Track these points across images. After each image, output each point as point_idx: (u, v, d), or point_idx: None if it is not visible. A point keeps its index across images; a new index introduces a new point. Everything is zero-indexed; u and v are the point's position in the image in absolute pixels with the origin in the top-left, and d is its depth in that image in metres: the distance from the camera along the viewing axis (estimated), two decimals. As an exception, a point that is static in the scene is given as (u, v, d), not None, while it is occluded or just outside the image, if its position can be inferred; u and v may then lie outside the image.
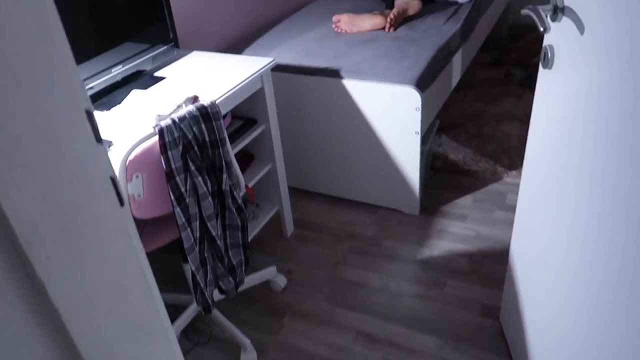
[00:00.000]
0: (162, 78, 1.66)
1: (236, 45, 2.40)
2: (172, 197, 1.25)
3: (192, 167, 1.28)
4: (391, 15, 2.27)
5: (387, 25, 2.27)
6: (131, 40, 1.57)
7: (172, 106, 1.35)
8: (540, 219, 1.19)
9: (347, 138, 2.08)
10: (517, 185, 2.22)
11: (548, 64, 1.09)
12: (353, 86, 1.94)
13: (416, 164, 2.00)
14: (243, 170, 1.84)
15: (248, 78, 1.62)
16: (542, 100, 1.19)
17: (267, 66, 1.69)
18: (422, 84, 1.89)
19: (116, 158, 1.20)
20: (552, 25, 1.05)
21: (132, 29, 1.57)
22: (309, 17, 2.63)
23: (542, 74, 1.16)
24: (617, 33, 0.80)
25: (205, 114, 1.29)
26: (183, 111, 1.27)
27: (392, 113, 1.92)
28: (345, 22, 2.34)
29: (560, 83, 1.05)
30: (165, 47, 1.71)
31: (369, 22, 2.30)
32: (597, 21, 0.86)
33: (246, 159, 1.89)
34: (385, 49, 2.08)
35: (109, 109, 1.47)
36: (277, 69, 2.09)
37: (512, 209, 2.12)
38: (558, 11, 1.01)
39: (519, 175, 2.27)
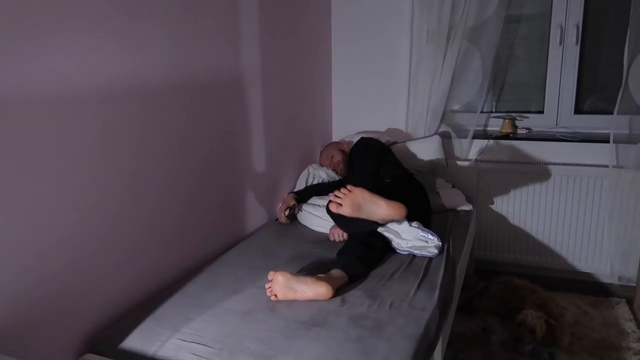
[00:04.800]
0: None
1: (112, 334, 1.67)
2: None
3: None
4: (322, 287, 1.69)
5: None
6: None
7: None
8: None
9: None
10: None
11: None
12: (291, 418, 1.23)
13: None
14: None
15: None
16: None
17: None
18: (399, 420, 1.20)
19: None
20: None
21: None
22: (241, 263, 2.02)
23: None
24: None
25: None
26: None
27: None
28: (280, 284, 1.72)
29: None
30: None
31: (310, 291, 1.70)
32: None
33: None
34: (339, 345, 1.42)
35: None
36: (177, 370, 1.37)
37: None
38: None
39: None
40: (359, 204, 1.73)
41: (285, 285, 1.70)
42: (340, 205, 1.70)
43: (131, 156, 1.72)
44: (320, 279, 1.73)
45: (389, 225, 2.20)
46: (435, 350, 1.57)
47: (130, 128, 1.71)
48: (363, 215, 1.91)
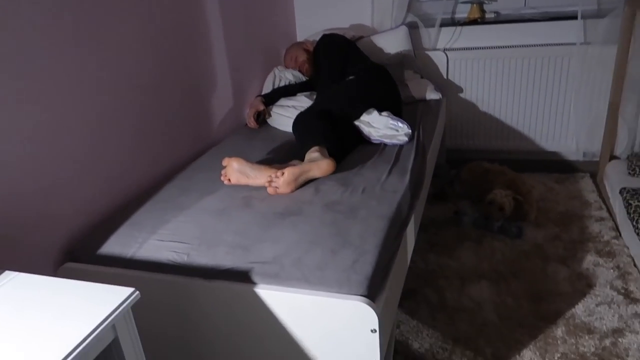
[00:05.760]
0: None
1: (90, 241, 1.64)
2: None
3: None
4: (277, 174, 1.71)
5: (268, 185, 1.72)
6: None
7: None
8: None
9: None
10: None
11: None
12: (271, 297, 1.28)
13: (377, 401, 1.32)
14: None
15: (84, 342, 0.90)
16: None
17: (124, 306, 0.99)
18: (375, 289, 1.27)
19: None
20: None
21: None
22: (213, 167, 2.01)
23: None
24: None
25: None
26: None
27: (333, 336, 1.26)
28: (234, 168, 1.78)
29: None
30: None
31: (264, 176, 1.73)
32: None
33: None
34: (315, 230, 1.46)
35: None
36: (161, 269, 1.40)
37: None
38: None
39: (512, 377, 1.65)
40: (294, 181, 1.72)
41: (238, 170, 1.76)
42: (277, 187, 1.71)
43: (97, 63, 1.64)
44: (275, 167, 1.77)
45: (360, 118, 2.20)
46: (408, 228, 1.63)
47: (94, 33, 1.61)
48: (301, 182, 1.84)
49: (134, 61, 1.86)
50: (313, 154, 1.87)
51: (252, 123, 2.58)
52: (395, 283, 1.47)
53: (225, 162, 1.81)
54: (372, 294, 1.23)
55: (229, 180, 1.81)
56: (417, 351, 1.80)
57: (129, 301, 0.99)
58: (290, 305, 1.27)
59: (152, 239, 1.50)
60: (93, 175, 1.68)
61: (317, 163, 1.79)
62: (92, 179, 1.68)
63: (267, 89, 2.83)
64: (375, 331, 1.21)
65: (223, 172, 1.84)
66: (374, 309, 1.19)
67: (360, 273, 1.25)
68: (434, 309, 1.99)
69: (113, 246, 1.50)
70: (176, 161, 2.15)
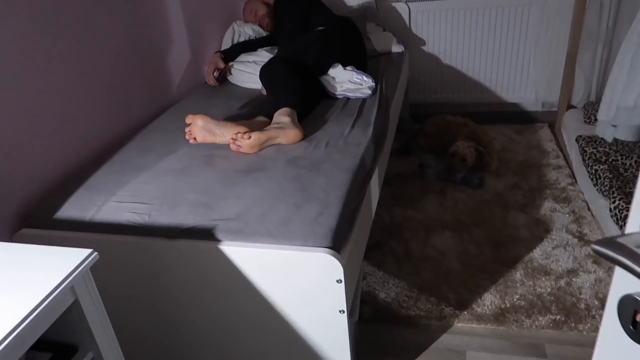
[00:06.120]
0: None
1: (46, 206, 1.58)
2: None
3: None
4: (241, 131, 1.65)
5: (232, 142, 1.67)
6: None
7: None
8: None
9: (235, 325, 1.39)
10: (474, 335, 1.66)
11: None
12: (236, 254, 1.27)
13: (346, 348, 1.36)
14: None
15: (41, 305, 0.87)
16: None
17: (82, 268, 0.96)
18: (340, 240, 1.28)
19: None
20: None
21: None
22: (172, 126, 1.95)
23: (625, 344, 0.57)
24: None
25: None
26: None
27: (300, 289, 1.27)
28: (199, 126, 1.71)
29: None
30: None
31: (231, 133, 1.68)
32: None
33: None
34: (278, 184, 1.45)
35: None
36: (122, 230, 1.37)
37: (479, 378, 1.54)
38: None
39: (474, 319, 1.72)
40: (258, 146, 1.67)
41: (203, 128, 1.70)
42: (241, 147, 1.65)
43: (49, 25, 1.52)
44: (241, 124, 1.71)
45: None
46: (372, 180, 1.64)
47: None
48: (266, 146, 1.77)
49: (84, 19, 1.75)
50: (283, 117, 1.79)
51: (211, 80, 2.50)
52: (360, 235, 1.49)
53: (189, 119, 1.74)
54: (336, 245, 1.24)
55: (195, 139, 1.73)
56: (383, 300, 1.85)
57: (87, 262, 0.97)
58: (255, 260, 1.27)
59: (111, 201, 1.46)
60: (48, 138, 1.60)
61: (285, 131, 1.72)
62: (46, 143, 1.60)
63: (226, 44, 2.74)
64: (341, 281, 1.23)
65: (187, 130, 1.76)
66: (338, 260, 1.20)
67: (324, 225, 1.26)
68: (400, 260, 2.04)
69: (70, 210, 1.45)
70: (134, 122, 2.07)
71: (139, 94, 2.10)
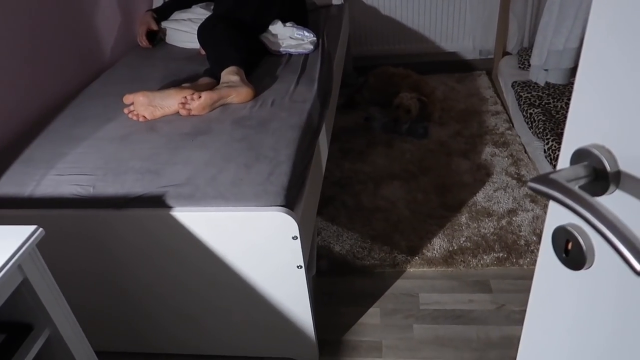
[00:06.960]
0: None
1: None
2: None
3: None
4: (194, 96, 1.59)
5: (181, 107, 1.60)
6: None
7: None
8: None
9: (195, 289, 1.39)
10: (425, 278, 1.75)
11: (580, 262, 0.55)
12: (189, 219, 1.26)
13: (305, 301, 1.40)
14: None
15: (-14, 287, 0.84)
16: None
17: (27, 245, 0.92)
18: (293, 198, 1.29)
19: None
20: (592, 200, 0.52)
21: None
22: (107, 93, 1.85)
23: (559, 271, 0.62)
24: None
25: None
26: None
27: (257, 248, 1.28)
28: (142, 104, 1.61)
29: (603, 289, 0.52)
30: None
31: (176, 99, 1.62)
32: None
33: None
34: (226, 146, 1.43)
35: None
36: (65, 204, 1.31)
37: (431, 317, 1.64)
38: (608, 179, 0.48)
39: (425, 263, 1.81)
40: (210, 105, 1.60)
41: (149, 105, 1.61)
42: (191, 110, 1.58)
43: None
44: (185, 88, 1.65)
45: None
46: (320, 136, 1.64)
47: None
48: (217, 106, 1.71)
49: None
50: (232, 76, 1.73)
51: (144, 42, 2.37)
52: (312, 191, 1.50)
53: (128, 99, 1.62)
54: (290, 203, 1.26)
55: (144, 117, 1.62)
56: (338, 253, 1.90)
57: (32, 239, 0.93)
58: (209, 224, 1.26)
59: (50, 174, 1.39)
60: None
61: (236, 90, 1.67)
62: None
63: (157, 2, 2.59)
64: (297, 238, 1.25)
65: (127, 110, 1.64)
66: (293, 217, 1.22)
67: (276, 184, 1.26)
68: (352, 213, 2.09)
69: (7, 186, 1.37)
70: (65, 90, 1.95)
71: (68, 61, 1.97)
